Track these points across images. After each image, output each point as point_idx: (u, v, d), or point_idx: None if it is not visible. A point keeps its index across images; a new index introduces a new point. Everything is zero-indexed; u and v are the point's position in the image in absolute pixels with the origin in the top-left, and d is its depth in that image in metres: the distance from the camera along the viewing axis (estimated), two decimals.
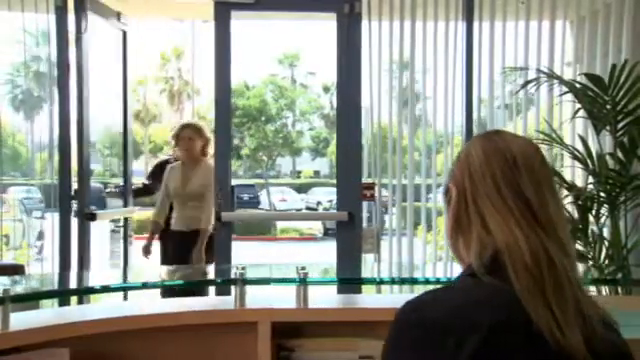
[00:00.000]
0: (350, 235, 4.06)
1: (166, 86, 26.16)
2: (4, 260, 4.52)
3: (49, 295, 1.53)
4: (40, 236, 5.18)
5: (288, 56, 27.49)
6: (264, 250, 13.20)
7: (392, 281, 1.87)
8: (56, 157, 3.85)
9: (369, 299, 1.87)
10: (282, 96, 26.31)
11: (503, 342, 0.93)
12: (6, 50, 3.88)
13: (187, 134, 4.41)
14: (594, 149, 3.48)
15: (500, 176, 1.04)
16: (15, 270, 3.54)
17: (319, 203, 22.20)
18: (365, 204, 4.20)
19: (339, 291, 3.02)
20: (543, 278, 0.96)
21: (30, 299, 1.47)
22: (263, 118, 25.27)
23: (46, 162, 3.95)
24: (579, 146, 3.57)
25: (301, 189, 26.43)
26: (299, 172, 30.53)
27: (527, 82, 3.70)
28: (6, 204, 6.51)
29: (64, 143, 3.83)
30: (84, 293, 1.63)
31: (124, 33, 4.54)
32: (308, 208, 23.12)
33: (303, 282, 1.57)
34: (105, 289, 1.55)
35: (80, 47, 3.85)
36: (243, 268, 1.57)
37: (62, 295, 1.59)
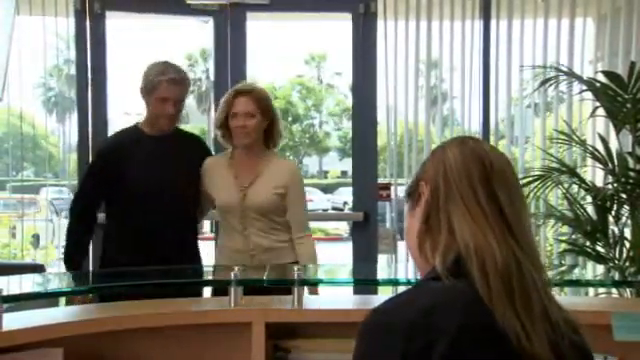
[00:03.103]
0: (366, 235, 4.05)
1: (194, 87, 26.43)
2: (28, 259, 4.62)
3: (40, 296, 1.56)
4: None
5: (315, 57, 27.53)
6: None
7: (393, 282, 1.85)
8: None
9: (376, 300, 1.86)
10: (309, 96, 26.36)
11: (471, 344, 0.93)
12: (38, 53, 3.98)
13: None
14: (614, 148, 3.42)
15: (477, 178, 1.03)
16: (35, 269, 3.62)
17: (345, 203, 22.17)
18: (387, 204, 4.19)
19: (355, 292, 3.03)
20: (512, 284, 0.96)
21: (22, 299, 1.50)
22: (290, 118, 25.32)
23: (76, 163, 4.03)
24: (599, 145, 3.51)
25: (327, 189, 26.42)
26: (326, 172, 30.54)
27: (545, 80, 3.65)
28: (37, 205, 6.68)
29: (82, 145, 3.90)
30: (68, 294, 1.65)
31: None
32: (334, 208, 23.10)
33: (296, 283, 1.57)
34: (90, 290, 1.57)
35: (98, 49, 3.91)
36: (238, 269, 1.58)
37: (51, 296, 1.62)
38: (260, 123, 2.62)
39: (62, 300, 2.43)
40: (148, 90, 2.68)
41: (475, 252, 0.98)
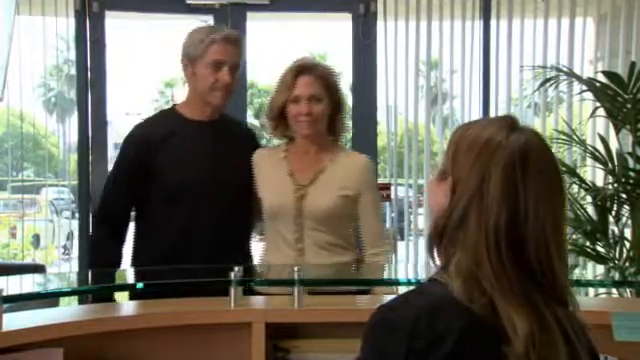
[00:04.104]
0: None
1: None
2: (28, 260, 4.62)
3: (40, 296, 1.56)
4: (69, 236, 5.29)
5: (315, 57, 27.52)
6: None
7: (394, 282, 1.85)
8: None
9: (376, 300, 1.86)
10: None
11: (476, 344, 0.94)
12: (38, 54, 4.00)
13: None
14: (614, 148, 3.42)
15: (505, 220, 0.98)
16: (36, 269, 3.62)
17: None
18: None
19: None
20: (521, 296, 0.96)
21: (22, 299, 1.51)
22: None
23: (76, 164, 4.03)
24: (599, 145, 3.51)
25: None
26: None
27: (545, 80, 3.64)
28: (37, 205, 6.68)
29: (82, 145, 3.91)
30: (68, 294, 1.66)
31: None
32: None
33: (297, 283, 1.57)
34: (98, 290, 1.58)
35: (97, 49, 3.92)
36: (239, 269, 1.58)
37: (52, 296, 1.63)
38: (327, 108, 2.12)
39: (62, 300, 2.43)
40: (194, 56, 2.15)
41: (473, 276, 0.98)
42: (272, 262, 2.11)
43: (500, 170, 0.98)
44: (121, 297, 1.96)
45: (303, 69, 2.12)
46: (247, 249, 2.32)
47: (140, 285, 1.79)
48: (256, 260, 2.23)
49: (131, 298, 2.06)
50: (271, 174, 2.16)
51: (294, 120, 2.11)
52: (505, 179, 0.98)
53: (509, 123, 1.04)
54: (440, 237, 1.03)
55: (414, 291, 1.06)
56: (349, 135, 2.23)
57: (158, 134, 2.20)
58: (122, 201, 2.24)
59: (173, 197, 2.17)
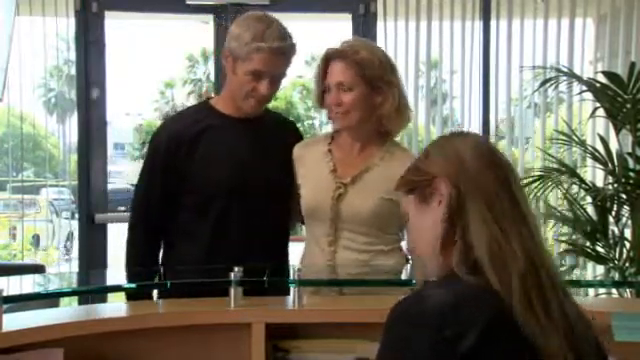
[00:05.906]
0: None
1: (194, 88, 26.42)
2: (28, 260, 4.63)
3: (40, 296, 1.56)
4: (69, 237, 5.30)
5: (315, 57, 27.52)
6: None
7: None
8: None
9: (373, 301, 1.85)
10: (309, 97, 26.36)
11: (499, 338, 0.96)
12: (38, 54, 4.01)
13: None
14: (614, 148, 3.42)
15: (499, 182, 1.04)
16: (36, 269, 3.62)
17: None
18: None
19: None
20: (531, 287, 0.98)
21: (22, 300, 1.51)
22: (290, 119, 25.33)
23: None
24: (599, 145, 3.51)
25: None
26: None
27: (545, 81, 3.65)
28: (37, 205, 6.69)
29: (82, 145, 3.92)
30: (69, 294, 1.66)
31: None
32: None
33: (297, 283, 1.57)
34: (97, 290, 1.58)
35: (97, 49, 3.93)
36: (239, 269, 1.59)
37: (52, 296, 1.63)
38: (364, 98, 1.86)
39: (62, 300, 2.44)
40: (237, 55, 1.95)
41: (495, 259, 1.00)
42: (307, 265, 1.95)
43: (469, 147, 1.08)
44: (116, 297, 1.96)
45: (333, 54, 1.91)
46: (284, 252, 2.17)
47: (133, 285, 1.79)
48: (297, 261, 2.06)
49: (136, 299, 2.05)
50: (312, 169, 1.97)
51: (328, 111, 1.95)
52: (475, 146, 1.08)
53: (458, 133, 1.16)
54: (446, 245, 1.07)
55: (434, 285, 1.08)
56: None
57: (191, 130, 2.02)
58: (159, 206, 2.06)
59: (207, 198, 2.01)
